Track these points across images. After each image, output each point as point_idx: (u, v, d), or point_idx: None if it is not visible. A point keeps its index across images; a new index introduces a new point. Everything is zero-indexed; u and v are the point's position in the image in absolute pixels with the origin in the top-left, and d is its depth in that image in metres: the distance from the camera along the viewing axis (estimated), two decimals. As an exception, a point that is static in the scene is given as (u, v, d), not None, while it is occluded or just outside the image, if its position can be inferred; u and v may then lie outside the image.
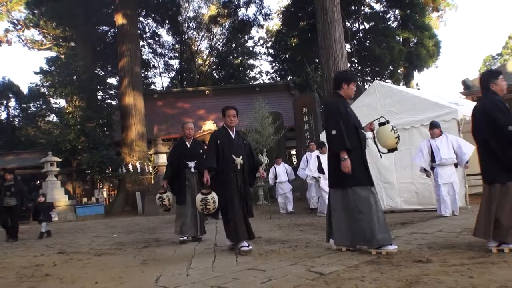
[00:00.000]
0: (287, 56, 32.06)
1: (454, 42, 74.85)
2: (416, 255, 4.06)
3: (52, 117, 23.83)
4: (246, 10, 31.24)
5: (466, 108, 8.49)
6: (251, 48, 37.79)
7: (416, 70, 27.96)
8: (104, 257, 5.46)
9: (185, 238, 6.25)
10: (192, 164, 6.40)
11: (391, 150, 4.73)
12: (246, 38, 36.46)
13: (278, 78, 33.49)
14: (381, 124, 4.66)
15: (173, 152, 6.70)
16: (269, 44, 36.23)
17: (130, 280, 3.91)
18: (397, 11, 27.80)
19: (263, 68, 57.59)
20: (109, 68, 30.32)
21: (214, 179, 5.21)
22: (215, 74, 37.34)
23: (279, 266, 3.98)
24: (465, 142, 7.07)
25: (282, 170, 11.54)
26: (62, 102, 24.37)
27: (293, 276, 3.54)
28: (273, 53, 34.65)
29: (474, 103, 11.85)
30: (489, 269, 3.26)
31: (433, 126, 7.38)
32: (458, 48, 74.96)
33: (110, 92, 27.34)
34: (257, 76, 38.13)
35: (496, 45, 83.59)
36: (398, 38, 26.72)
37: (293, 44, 30.71)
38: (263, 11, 30.94)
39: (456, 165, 7.28)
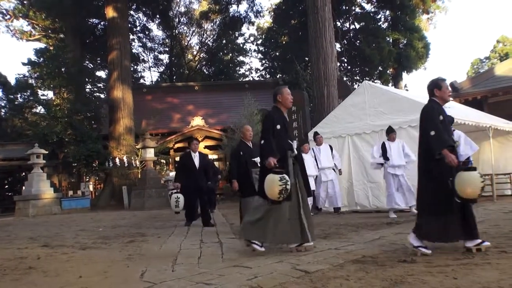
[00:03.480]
0: (277, 53, 32.10)
1: (443, 45, 75.59)
2: (401, 255, 4.09)
3: (40, 109, 23.56)
4: (238, 6, 31.17)
5: (454, 110, 8.57)
6: (241, 45, 37.77)
7: (405, 71, 28.21)
8: (89, 251, 5.41)
9: (263, 249, 4.55)
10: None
11: None
12: (236, 35, 36.47)
13: (268, 76, 33.53)
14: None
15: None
16: (259, 42, 36.25)
17: (115, 275, 3.88)
18: (387, 12, 28.00)
19: (253, 65, 57.54)
20: (98, 61, 30.08)
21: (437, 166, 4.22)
22: (204, 70, 37.26)
23: (265, 264, 3.98)
24: (469, 141, 6.73)
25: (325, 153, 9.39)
26: (50, 94, 24.11)
27: (278, 273, 3.55)
28: (263, 50, 34.66)
29: (462, 105, 11.99)
30: (473, 270, 3.30)
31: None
32: (447, 51, 75.76)
33: (99, 85, 27.14)
34: (247, 73, 38.17)
35: (484, 49, 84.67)
36: (388, 39, 26.92)
37: (284, 42, 30.77)
38: (254, 8, 30.96)
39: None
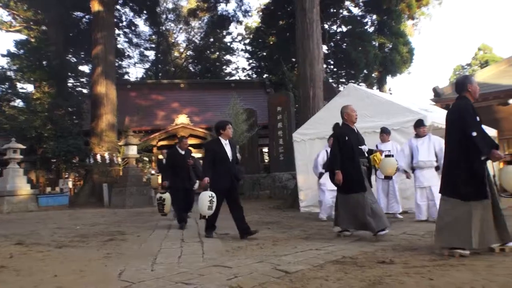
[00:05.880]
0: (265, 54, 32.11)
1: (427, 50, 76.58)
2: (379, 256, 4.12)
3: (18, 102, 23.02)
4: (226, 5, 31.28)
5: (436, 114, 8.67)
6: (228, 44, 37.68)
7: (390, 75, 28.55)
8: (66, 249, 5.30)
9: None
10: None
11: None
12: (224, 34, 36.38)
13: (254, 75, 33.50)
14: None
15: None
16: (247, 41, 36.16)
17: (92, 274, 3.81)
18: (374, 17, 28.26)
19: (239, 64, 57.80)
20: (82, 55, 29.53)
21: None
22: (191, 68, 37.11)
23: (245, 264, 3.96)
24: None
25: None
26: (30, 88, 23.63)
27: (259, 273, 3.53)
28: (250, 50, 34.60)
29: (444, 110, 12.14)
30: (448, 272, 3.35)
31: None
32: (430, 56, 76.79)
33: (82, 80, 26.66)
34: (233, 72, 38.09)
35: (466, 56, 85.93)
36: (374, 43, 27.19)
37: (271, 43, 30.79)
38: (243, 8, 31.02)
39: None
